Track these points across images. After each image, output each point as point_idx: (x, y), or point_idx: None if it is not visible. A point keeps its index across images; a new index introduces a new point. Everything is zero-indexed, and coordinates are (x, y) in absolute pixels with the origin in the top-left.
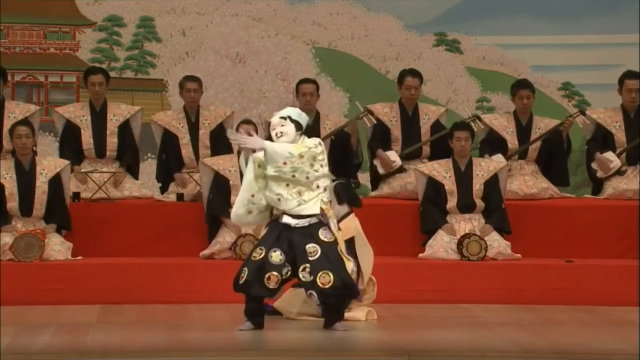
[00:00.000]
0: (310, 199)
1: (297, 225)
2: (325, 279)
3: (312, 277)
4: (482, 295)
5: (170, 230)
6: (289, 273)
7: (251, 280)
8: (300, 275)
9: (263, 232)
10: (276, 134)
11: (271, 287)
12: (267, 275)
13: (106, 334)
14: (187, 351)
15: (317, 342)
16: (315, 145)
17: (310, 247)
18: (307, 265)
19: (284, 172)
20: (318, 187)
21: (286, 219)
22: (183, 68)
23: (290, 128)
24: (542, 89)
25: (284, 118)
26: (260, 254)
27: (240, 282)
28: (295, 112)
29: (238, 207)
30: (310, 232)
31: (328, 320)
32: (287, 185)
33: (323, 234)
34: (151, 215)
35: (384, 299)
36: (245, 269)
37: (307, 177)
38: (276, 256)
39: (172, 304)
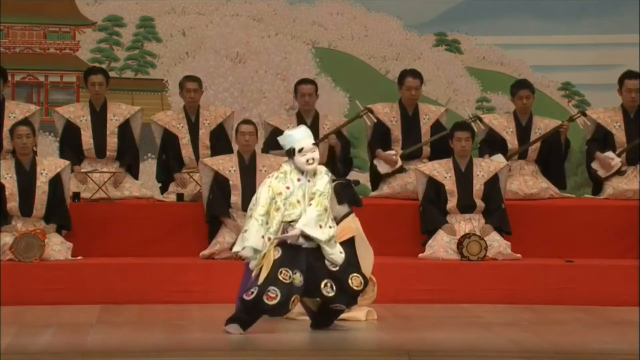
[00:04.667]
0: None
1: (310, 247)
2: (357, 280)
3: (336, 290)
4: (482, 295)
5: (170, 230)
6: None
7: (283, 302)
8: (324, 292)
9: (275, 252)
10: (307, 160)
11: (293, 309)
12: (292, 299)
13: (106, 334)
14: (187, 351)
15: (317, 342)
16: (326, 185)
17: (327, 261)
18: (328, 280)
19: (324, 230)
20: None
21: (305, 242)
22: (183, 68)
23: (317, 154)
24: (542, 89)
25: (315, 144)
26: (289, 276)
27: (272, 302)
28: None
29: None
30: (319, 251)
31: (324, 324)
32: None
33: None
34: (151, 215)
35: (384, 299)
36: (276, 289)
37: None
38: (297, 278)
39: (172, 304)
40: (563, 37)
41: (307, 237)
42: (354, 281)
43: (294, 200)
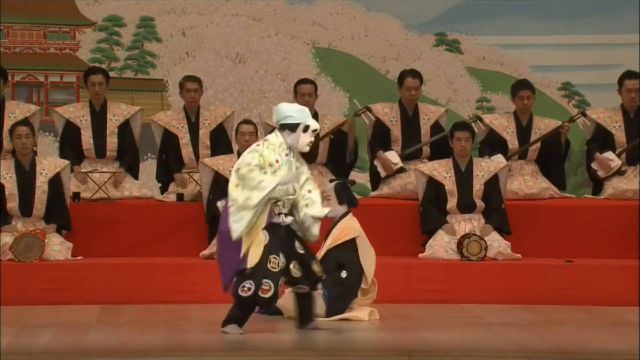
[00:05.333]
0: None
1: (288, 224)
2: (318, 267)
3: (302, 272)
4: (482, 295)
5: (170, 230)
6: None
7: (275, 292)
8: (292, 272)
9: (264, 236)
10: (309, 142)
11: (281, 290)
12: (280, 284)
13: (106, 334)
14: (187, 351)
15: (317, 342)
16: (308, 168)
17: (296, 242)
18: (296, 261)
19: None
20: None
21: (285, 219)
22: (183, 68)
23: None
24: (542, 89)
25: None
26: (277, 263)
27: (267, 295)
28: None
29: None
30: (292, 231)
31: (307, 317)
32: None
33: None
34: (151, 215)
35: (384, 299)
36: (269, 281)
37: None
38: (281, 261)
39: (172, 304)
40: (563, 37)
41: (286, 215)
42: (316, 267)
43: (279, 175)
